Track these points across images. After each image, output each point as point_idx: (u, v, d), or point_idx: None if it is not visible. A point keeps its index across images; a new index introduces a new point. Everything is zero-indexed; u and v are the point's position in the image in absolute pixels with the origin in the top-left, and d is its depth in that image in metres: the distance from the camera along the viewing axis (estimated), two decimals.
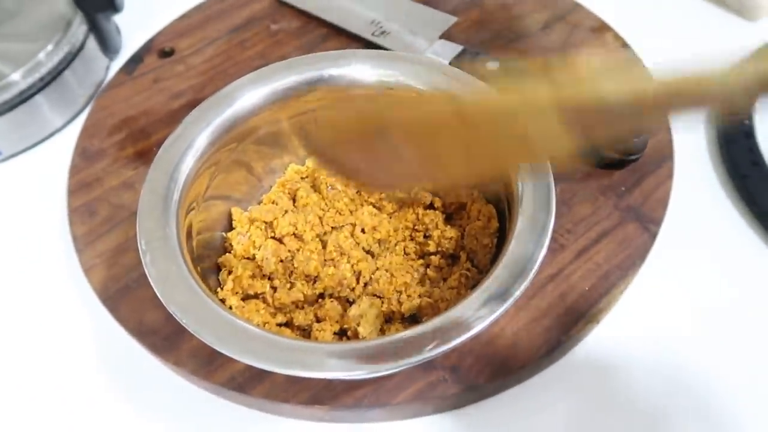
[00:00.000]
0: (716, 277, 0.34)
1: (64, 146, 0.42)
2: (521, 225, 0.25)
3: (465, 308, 0.23)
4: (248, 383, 0.29)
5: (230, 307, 0.27)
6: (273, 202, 0.31)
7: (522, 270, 0.24)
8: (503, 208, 0.30)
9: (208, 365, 0.30)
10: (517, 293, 0.23)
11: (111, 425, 0.31)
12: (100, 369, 0.32)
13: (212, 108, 0.29)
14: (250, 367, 0.30)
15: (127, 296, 0.33)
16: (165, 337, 0.31)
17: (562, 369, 0.31)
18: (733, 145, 0.38)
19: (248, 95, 0.29)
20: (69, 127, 0.44)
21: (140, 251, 0.24)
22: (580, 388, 0.31)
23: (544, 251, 0.24)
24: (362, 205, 0.32)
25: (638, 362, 0.31)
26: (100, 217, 0.36)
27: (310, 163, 0.33)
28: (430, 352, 0.22)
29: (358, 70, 0.31)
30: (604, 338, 0.32)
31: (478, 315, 0.23)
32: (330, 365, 0.21)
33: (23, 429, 0.31)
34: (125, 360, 0.32)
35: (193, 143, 0.27)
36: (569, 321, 0.31)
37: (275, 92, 0.30)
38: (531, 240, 0.25)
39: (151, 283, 0.23)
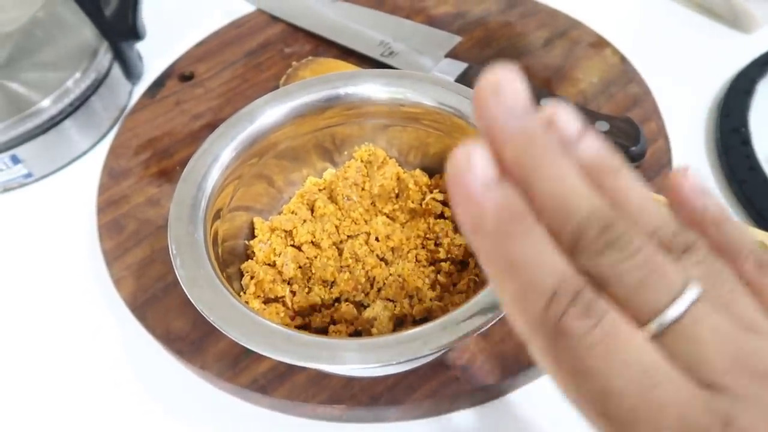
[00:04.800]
0: None
1: (90, 167, 0.44)
2: None
3: (472, 307, 0.24)
4: (270, 385, 0.31)
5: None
6: (292, 212, 0.33)
7: None
8: None
9: (232, 368, 0.32)
10: None
11: (140, 428, 0.32)
12: (130, 375, 0.34)
13: (236, 125, 0.31)
14: (272, 370, 0.32)
15: (155, 305, 0.35)
16: (191, 342, 0.33)
17: None
18: (730, 151, 0.40)
19: (269, 113, 0.31)
20: (95, 149, 0.46)
21: (171, 255, 0.26)
22: None
23: None
24: (376, 215, 0.34)
25: None
26: (128, 231, 0.38)
27: (327, 175, 0.35)
28: (440, 347, 0.23)
29: (371, 88, 0.33)
30: None
31: (485, 313, 0.24)
32: (347, 358, 0.23)
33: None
34: (153, 366, 0.34)
35: (218, 157, 0.30)
36: None
37: (294, 109, 0.32)
38: None
39: (181, 284, 0.25)
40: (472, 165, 0.15)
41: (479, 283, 0.31)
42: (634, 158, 0.36)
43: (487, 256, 0.15)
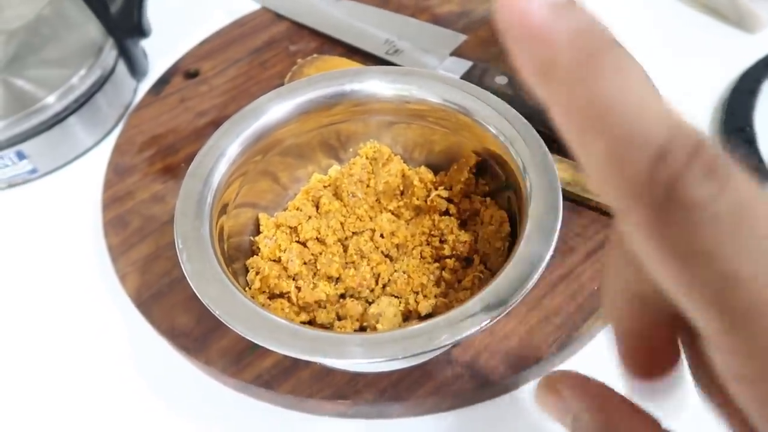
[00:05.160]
0: None
1: (95, 163, 0.44)
2: (530, 227, 0.27)
3: (477, 303, 0.24)
4: (275, 380, 0.31)
5: None
6: (297, 209, 0.33)
7: (531, 269, 0.25)
8: (514, 213, 0.32)
9: (236, 363, 0.32)
10: (526, 289, 0.25)
11: (144, 423, 0.32)
12: (134, 370, 0.34)
13: (241, 121, 0.31)
14: (276, 365, 0.32)
15: (160, 301, 0.35)
16: (196, 338, 0.33)
17: (575, 365, 0.33)
18: (735, 151, 0.40)
19: (275, 109, 0.32)
20: (100, 145, 0.46)
21: (177, 249, 0.26)
22: None
23: (551, 251, 0.26)
24: (381, 212, 0.34)
25: None
26: (133, 227, 0.38)
27: (332, 172, 0.36)
28: (445, 343, 0.23)
29: (376, 85, 0.33)
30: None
31: (490, 309, 0.24)
32: (353, 353, 0.23)
33: (62, 427, 0.33)
34: (158, 361, 0.34)
35: (224, 153, 0.30)
36: (579, 318, 0.32)
37: (299, 106, 0.32)
38: (539, 241, 0.26)
39: (187, 278, 0.25)
40: None
41: (484, 279, 0.31)
42: None
43: (565, 108, 0.11)
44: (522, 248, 0.26)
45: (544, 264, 0.25)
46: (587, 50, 0.11)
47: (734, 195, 0.10)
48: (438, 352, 0.31)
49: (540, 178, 0.28)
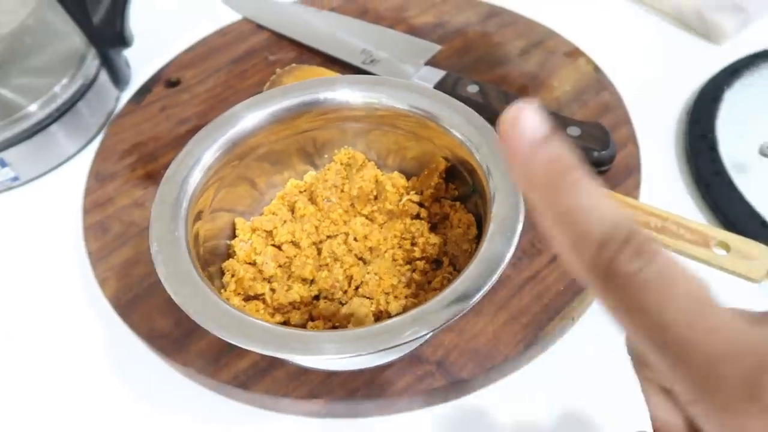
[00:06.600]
0: None
1: (77, 171, 0.45)
2: (493, 229, 0.28)
3: (441, 300, 0.25)
4: (251, 380, 0.32)
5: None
6: (273, 213, 0.34)
7: (493, 267, 0.26)
8: (481, 216, 0.33)
9: (214, 364, 0.32)
10: (488, 286, 0.26)
11: (122, 424, 0.33)
12: (113, 372, 0.35)
13: (217, 128, 0.32)
14: (252, 366, 0.32)
15: (138, 304, 0.35)
16: (174, 340, 0.34)
17: (543, 364, 0.34)
18: (698, 156, 0.41)
19: (250, 116, 0.33)
20: (82, 153, 0.47)
21: (152, 252, 0.27)
22: (560, 382, 0.33)
23: (512, 250, 0.27)
24: (355, 216, 0.35)
25: (614, 356, 0.33)
26: (113, 233, 0.39)
27: (308, 178, 0.37)
28: (411, 336, 0.24)
29: (348, 93, 0.34)
30: (581, 335, 0.35)
31: (455, 305, 0.25)
32: (323, 349, 0.24)
33: (42, 430, 0.33)
34: (137, 364, 0.35)
35: (200, 159, 0.30)
36: (545, 318, 0.33)
37: (274, 113, 0.33)
38: (501, 241, 0.27)
39: (161, 280, 0.26)
40: (521, 126, 0.16)
41: (452, 280, 0.32)
42: (604, 162, 0.38)
43: (541, 210, 0.16)
44: (485, 248, 0.27)
45: (505, 262, 0.26)
46: (555, 173, 0.15)
47: (657, 266, 0.14)
48: (407, 349, 0.32)
49: (504, 182, 0.29)
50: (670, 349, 0.14)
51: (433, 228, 0.34)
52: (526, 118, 0.16)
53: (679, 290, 0.14)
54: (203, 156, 0.31)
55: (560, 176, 0.15)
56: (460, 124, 0.32)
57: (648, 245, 0.14)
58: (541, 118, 0.16)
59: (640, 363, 0.19)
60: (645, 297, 0.14)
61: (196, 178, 0.30)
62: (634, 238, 0.14)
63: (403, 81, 0.35)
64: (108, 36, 0.47)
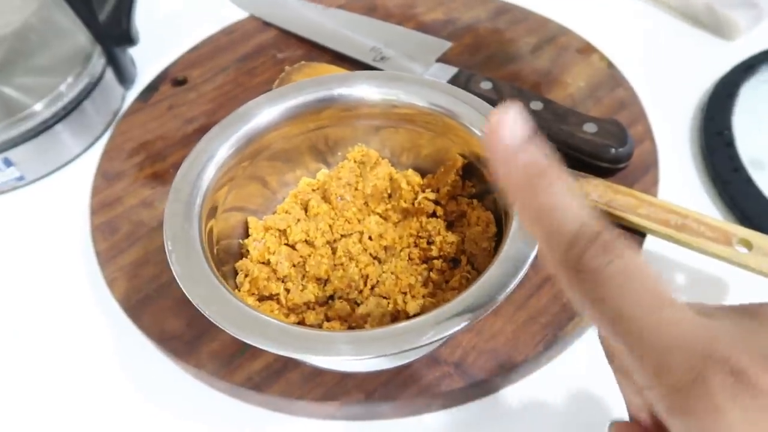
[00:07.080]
0: (702, 277, 0.36)
1: (83, 170, 0.44)
2: (515, 228, 0.27)
3: (463, 300, 0.25)
4: (264, 382, 0.31)
5: None
6: (286, 212, 0.34)
7: (515, 268, 0.26)
8: (501, 214, 0.32)
9: (227, 366, 0.32)
10: (510, 288, 0.25)
11: (133, 427, 0.32)
12: (123, 375, 0.34)
13: (230, 125, 0.31)
14: (266, 368, 0.32)
15: (148, 306, 0.35)
16: (186, 342, 0.33)
17: (562, 364, 0.33)
18: (715, 153, 0.41)
19: (264, 113, 0.32)
20: (88, 152, 0.46)
21: (166, 251, 0.26)
22: (580, 381, 0.32)
23: (535, 250, 0.26)
24: (369, 214, 0.34)
25: None
26: (121, 233, 0.38)
27: (320, 176, 0.36)
28: (431, 338, 0.23)
29: (364, 89, 0.33)
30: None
31: (476, 307, 0.24)
32: (342, 350, 0.23)
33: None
34: (148, 366, 0.34)
35: (213, 156, 0.30)
36: (565, 318, 0.33)
37: (288, 110, 0.32)
38: (524, 241, 0.27)
39: (177, 279, 0.25)
40: (501, 131, 0.17)
41: (471, 279, 0.31)
42: (621, 159, 0.37)
43: (520, 208, 0.17)
44: (507, 248, 0.27)
45: (528, 263, 0.26)
46: (531, 175, 0.17)
47: (622, 261, 0.15)
48: (425, 351, 0.31)
49: None
50: (628, 338, 0.15)
51: (450, 226, 0.34)
52: (507, 124, 0.17)
53: (640, 285, 0.15)
54: (217, 153, 0.30)
55: (536, 178, 0.17)
56: (478, 120, 0.31)
57: (614, 243, 0.16)
58: (521, 123, 0.17)
59: (611, 353, 0.21)
60: (608, 290, 0.15)
61: (210, 174, 0.29)
62: (602, 237, 0.16)
63: (419, 77, 0.34)
64: (114, 34, 0.47)
